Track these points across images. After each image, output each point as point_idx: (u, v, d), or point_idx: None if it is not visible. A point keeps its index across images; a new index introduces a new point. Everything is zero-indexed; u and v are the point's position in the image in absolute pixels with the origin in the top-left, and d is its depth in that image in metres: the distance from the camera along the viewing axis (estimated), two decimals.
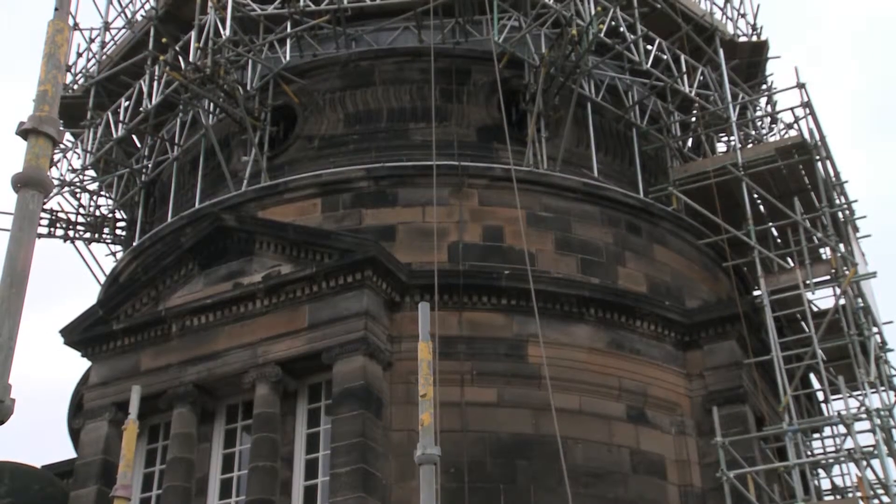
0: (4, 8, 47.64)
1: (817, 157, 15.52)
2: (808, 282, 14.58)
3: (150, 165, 17.31)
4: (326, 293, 12.87)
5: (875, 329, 14.96)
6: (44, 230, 18.23)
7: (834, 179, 16.07)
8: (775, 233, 15.93)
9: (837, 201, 15.86)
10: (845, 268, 14.67)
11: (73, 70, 18.92)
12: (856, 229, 16.30)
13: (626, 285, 14.39)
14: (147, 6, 19.04)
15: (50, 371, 35.41)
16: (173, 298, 13.84)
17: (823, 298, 15.77)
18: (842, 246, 15.14)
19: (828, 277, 15.04)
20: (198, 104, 15.85)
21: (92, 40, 19.21)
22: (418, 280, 13.13)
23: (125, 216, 18.86)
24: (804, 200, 15.35)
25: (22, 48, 46.30)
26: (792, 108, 16.39)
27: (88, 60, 19.13)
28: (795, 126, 16.46)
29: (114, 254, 18.94)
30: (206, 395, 13.25)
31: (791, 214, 15.00)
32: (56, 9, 5.16)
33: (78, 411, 14.72)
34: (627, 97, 16.56)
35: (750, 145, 17.18)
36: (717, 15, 18.79)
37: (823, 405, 15.54)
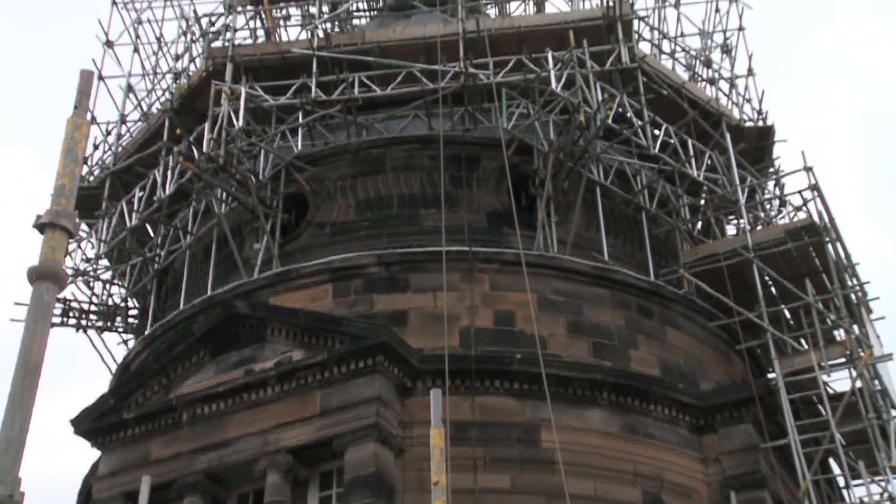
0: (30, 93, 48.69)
1: (827, 239, 15.53)
2: (822, 364, 14.44)
3: (162, 254, 17.43)
4: (338, 379, 12.83)
5: (894, 412, 14.76)
6: (56, 319, 18.29)
7: (845, 261, 16.05)
8: (788, 315, 15.85)
9: (849, 283, 15.81)
10: (860, 350, 14.55)
11: (89, 162, 19.21)
12: (869, 311, 16.20)
13: (639, 368, 14.30)
14: (163, 99, 19.43)
15: (58, 461, 35.12)
16: (184, 386, 13.81)
17: (839, 381, 15.58)
18: (856, 328, 15.05)
19: (843, 359, 14.89)
20: (211, 193, 16.05)
21: (108, 133, 19.55)
22: (430, 365, 13.07)
23: (137, 304, 18.92)
24: (816, 282, 15.32)
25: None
26: (800, 191, 16.48)
27: (104, 152, 19.43)
28: (804, 208, 16.54)
29: (125, 342, 18.96)
30: (216, 485, 13.11)
31: (803, 296, 14.95)
32: (75, 106, 5.28)
33: (87, 503, 14.56)
34: (636, 181, 16.69)
35: (759, 228, 17.22)
36: (723, 100, 19.05)
37: (844, 491, 15.24)
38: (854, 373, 14.44)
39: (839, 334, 15.43)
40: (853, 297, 15.55)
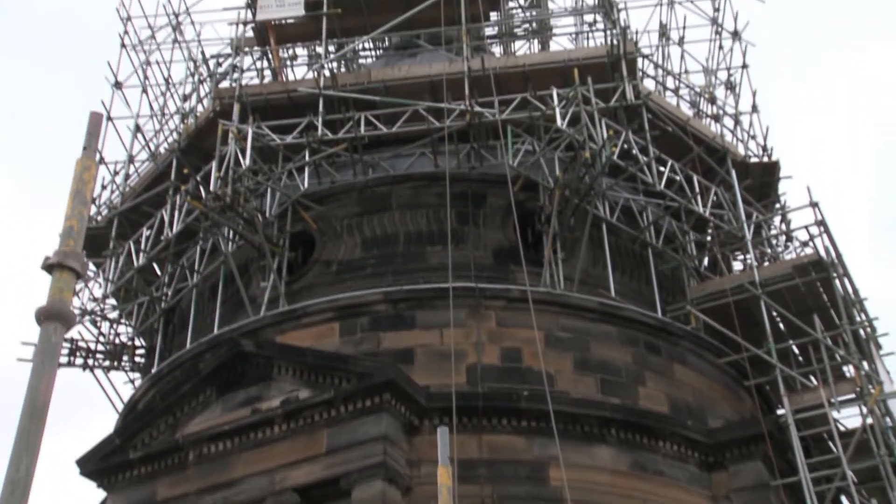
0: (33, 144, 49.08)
1: (835, 275, 15.50)
2: (832, 400, 14.34)
3: (169, 293, 17.46)
4: (345, 417, 12.78)
5: None
6: (63, 359, 18.30)
7: (853, 296, 16.00)
8: (796, 351, 15.78)
9: (858, 318, 15.74)
10: (870, 386, 14.45)
11: (97, 202, 19.31)
12: (878, 347, 16.12)
13: (647, 405, 14.22)
14: (170, 139, 19.57)
15: (63, 502, 34.90)
16: (191, 425, 13.76)
17: (850, 417, 15.47)
18: (865, 364, 14.97)
19: (853, 396, 14.78)
20: (218, 232, 16.11)
21: (116, 173, 19.66)
22: (437, 403, 13.02)
23: (144, 343, 18.93)
24: (824, 318, 15.26)
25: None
26: (806, 227, 16.47)
27: (112, 192, 19.54)
28: (811, 244, 16.52)
29: (132, 381, 18.95)
30: None
31: (811, 332, 14.89)
32: (84, 147, 5.30)
33: None
34: (642, 217, 16.70)
35: (766, 263, 17.20)
36: (728, 137, 19.08)
37: None
38: (865, 409, 14.34)
39: (849, 370, 15.35)
40: (862, 332, 15.48)
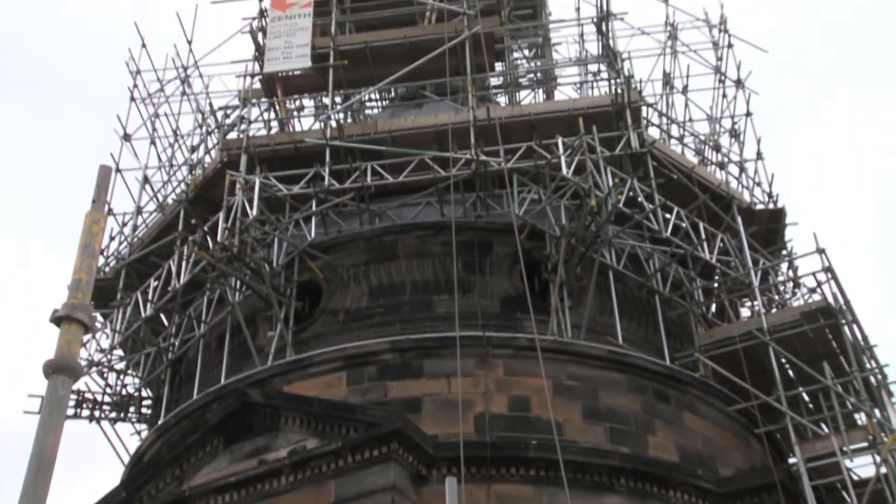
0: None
1: (843, 322, 15.43)
2: (845, 449, 14.18)
3: (176, 343, 17.45)
4: (352, 467, 12.67)
5: None
6: (70, 411, 18.23)
7: (862, 343, 15.90)
8: (807, 398, 15.65)
9: (868, 365, 15.63)
10: (883, 434, 14.29)
11: (104, 253, 19.37)
12: (890, 394, 15.97)
13: (657, 454, 14.09)
14: (178, 190, 19.69)
15: None
16: (197, 477, 13.65)
17: (863, 466, 15.29)
18: (877, 411, 14.82)
19: (866, 444, 14.62)
20: (225, 282, 16.13)
21: (124, 224, 19.75)
22: (445, 452, 12.92)
23: (151, 394, 18.87)
24: (834, 365, 15.15)
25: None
26: (814, 273, 16.46)
27: (120, 244, 19.61)
28: (818, 290, 16.47)
29: (139, 433, 18.86)
30: None
31: (821, 379, 14.77)
32: (93, 200, 5.36)
33: None
34: (649, 265, 16.70)
35: (774, 310, 17.14)
36: (733, 184, 19.14)
37: None
38: (878, 458, 14.18)
39: (860, 418, 15.19)
40: (873, 379, 15.35)
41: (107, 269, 19.01)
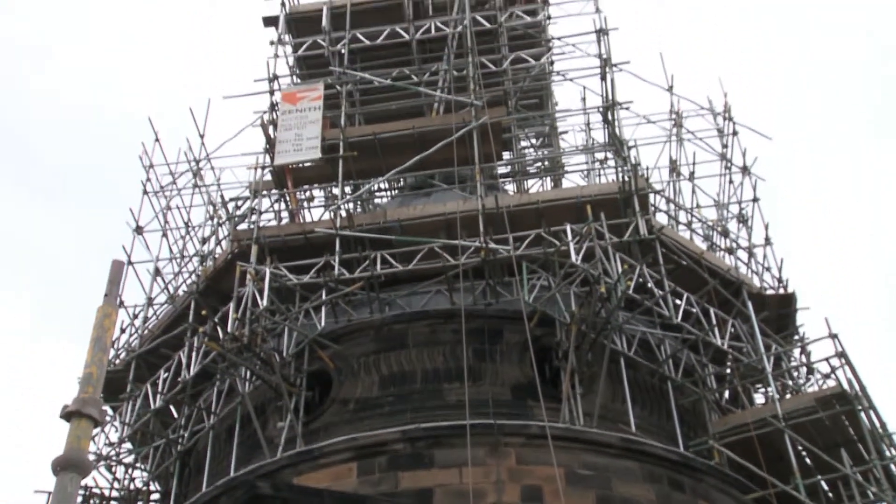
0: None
1: (860, 408, 15.22)
2: None
3: (186, 435, 17.30)
4: None
5: None
6: None
7: (881, 430, 15.65)
8: (825, 486, 15.36)
9: (888, 453, 15.35)
10: None
11: (115, 346, 19.36)
12: None
13: None
14: (189, 281, 19.78)
15: None
16: None
17: None
18: None
19: None
20: (235, 373, 16.07)
21: (135, 316, 19.80)
22: None
23: (159, 488, 18.62)
24: (852, 452, 14.90)
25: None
26: (827, 358, 16.29)
27: (130, 335, 19.62)
28: (833, 376, 16.29)
29: None
30: None
31: (840, 467, 14.52)
32: (106, 295, 5.38)
33: None
34: (660, 351, 16.59)
35: (788, 396, 16.95)
36: (743, 269, 19.12)
37: None
38: None
39: None
40: (893, 467, 15.06)
41: (117, 362, 18.97)
